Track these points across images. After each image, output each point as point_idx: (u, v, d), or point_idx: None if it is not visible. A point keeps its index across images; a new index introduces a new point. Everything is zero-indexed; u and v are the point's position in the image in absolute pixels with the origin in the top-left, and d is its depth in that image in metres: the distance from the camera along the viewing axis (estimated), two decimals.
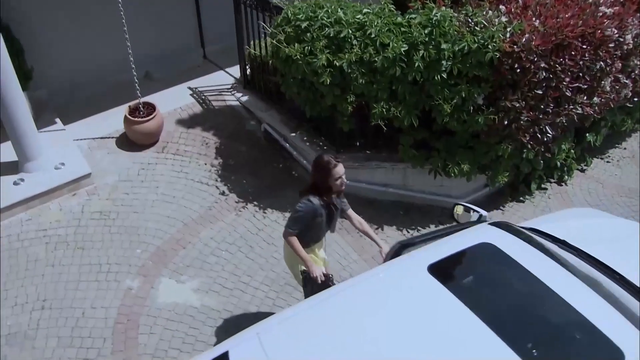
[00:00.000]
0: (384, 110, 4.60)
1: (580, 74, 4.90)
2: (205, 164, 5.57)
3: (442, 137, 5.04)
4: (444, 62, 4.41)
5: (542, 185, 5.83)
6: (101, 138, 5.70)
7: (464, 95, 4.49)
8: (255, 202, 5.21)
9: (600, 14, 4.89)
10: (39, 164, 4.94)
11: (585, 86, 5.01)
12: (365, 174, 5.40)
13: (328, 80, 4.50)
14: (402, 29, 4.46)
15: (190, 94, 6.38)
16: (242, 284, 4.47)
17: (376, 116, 4.63)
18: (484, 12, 4.60)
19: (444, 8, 4.59)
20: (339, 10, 4.55)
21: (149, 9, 6.20)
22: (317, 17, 4.54)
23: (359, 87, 4.56)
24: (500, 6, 4.79)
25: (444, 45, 4.37)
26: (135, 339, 3.96)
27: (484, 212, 3.71)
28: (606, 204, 5.75)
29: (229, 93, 6.41)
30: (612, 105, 5.53)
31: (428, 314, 2.41)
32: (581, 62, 4.77)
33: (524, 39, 4.36)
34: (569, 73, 4.73)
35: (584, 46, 4.73)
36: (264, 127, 5.93)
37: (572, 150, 5.87)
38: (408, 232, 5.21)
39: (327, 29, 4.49)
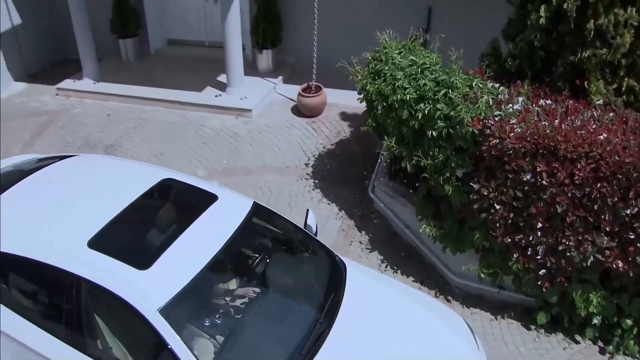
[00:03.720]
0: (392, 145, 5.55)
1: (595, 207, 4.37)
2: (321, 143, 7.59)
3: None
4: (439, 121, 5.02)
5: (576, 336, 5.15)
6: (290, 99, 8.50)
7: (441, 158, 4.99)
8: (315, 181, 6.96)
9: None
10: (234, 91, 8.19)
11: (608, 228, 4.40)
12: (397, 208, 6.26)
13: (360, 102, 5.83)
14: (421, 82, 5.24)
15: None
16: None
17: (386, 148, 5.63)
18: (506, 95, 4.81)
19: (477, 78, 5.07)
20: (401, 55, 5.67)
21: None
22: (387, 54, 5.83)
23: (378, 117, 5.66)
24: (542, 101, 4.77)
25: (439, 105, 4.99)
26: None
27: (312, 223, 4.59)
28: None
29: None
30: None
31: None
32: (588, 189, 4.31)
33: (498, 125, 4.49)
34: (567, 193, 4.38)
35: (599, 174, 4.25)
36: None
37: (627, 322, 4.86)
38: (386, 268, 5.90)
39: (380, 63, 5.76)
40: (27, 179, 4.31)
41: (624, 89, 4.69)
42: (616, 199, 4.28)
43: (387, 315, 3.96)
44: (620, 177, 4.23)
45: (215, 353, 3.45)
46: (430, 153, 5.15)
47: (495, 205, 4.73)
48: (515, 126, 4.51)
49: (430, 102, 5.11)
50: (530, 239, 4.71)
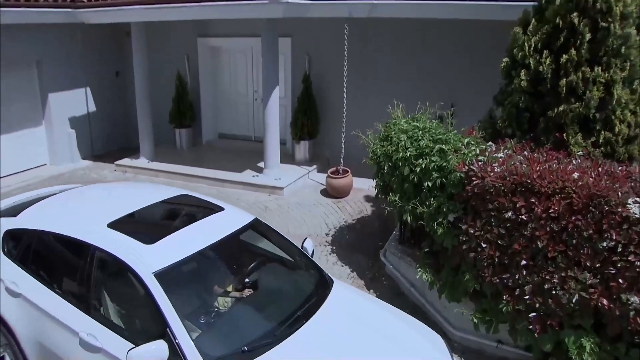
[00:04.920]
0: (395, 200, 6.10)
1: (573, 241, 4.63)
2: (344, 219, 8.19)
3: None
4: (434, 173, 5.60)
5: None
6: (321, 184, 9.30)
7: (434, 204, 5.47)
8: (333, 247, 7.47)
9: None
10: (269, 173, 9.13)
11: (589, 263, 4.62)
12: (404, 268, 6.60)
13: (370, 164, 6.53)
14: (421, 143, 5.91)
15: None
16: None
17: (390, 203, 6.18)
18: (492, 148, 5.36)
19: (469, 137, 5.69)
20: (407, 123, 6.45)
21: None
22: (395, 123, 6.61)
23: (385, 176, 6.29)
24: (525, 152, 5.28)
25: (433, 158, 5.59)
26: None
27: (310, 246, 5.10)
28: None
29: None
30: None
31: None
32: (564, 223, 4.62)
33: (481, 167, 5.00)
34: (545, 227, 4.70)
35: (573, 207, 4.59)
36: None
37: None
38: None
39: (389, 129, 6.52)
40: (71, 190, 5.24)
41: (601, 140, 5.16)
42: (591, 231, 4.57)
43: (361, 319, 4.29)
44: (592, 210, 4.56)
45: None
46: (427, 203, 5.67)
47: (482, 244, 5.08)
48: (495, 167, 5.02)
49: (427, 157, 5.74)
50: (517, 277, 4.95)
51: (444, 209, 5.42)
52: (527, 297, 4.95)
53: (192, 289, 4.31)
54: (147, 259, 3.94)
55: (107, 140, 11.15)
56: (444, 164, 5.48)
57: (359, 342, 4.03)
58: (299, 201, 8.78)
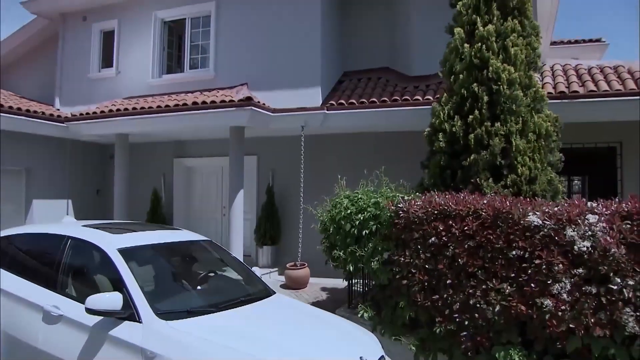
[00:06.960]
0: (339, 254, 6.53)
1: (488, 255, 5.08)
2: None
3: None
4: (370, 222, 6.16)
5: None
6: (281, 281, 9.59)
7: (371, 246, 5.95)
8: None
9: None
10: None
11: (504, 273, 5.03)
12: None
13: (318, 229, 7.07)
14: (360, 203, 6.57)
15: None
16: None
17: (334, 259, 6.60)
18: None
19: (399, 194, 6.39)
20: (351, 194, 7.16)
21: None
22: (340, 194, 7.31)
23: (330, 237, 6.79)
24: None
25: (369, 208, 6.20)
26: None
27: (255, 272, 5.47)
28: None
29: None
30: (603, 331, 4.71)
31: None
32: (478, 238, 5.13)
33: (406, 202, 5.62)
34: (463, 244, 5.18)
35: (485, 225, 5.13)
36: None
37: None
38: None
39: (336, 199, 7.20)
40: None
41: (508, 182, 5.89)
42: (501, 243, 5.07)
43: (299, 309, 4.79)
44: (500, 224, 5.13)
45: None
46: (365, 249, 6.15)
47: (412, 270, 5.50)
48: (419, 202, 5.66)
49: (365, 211, 6.37)
50: (445, 297, 5.29)
51: (379, 248, 5.90)
52: (456, 315, 5.24)
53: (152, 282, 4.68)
54: (112, 241, 4.51)
55: None
56: (378, 212, 6.10)
57: (295, 321, 4.36)
58: None
